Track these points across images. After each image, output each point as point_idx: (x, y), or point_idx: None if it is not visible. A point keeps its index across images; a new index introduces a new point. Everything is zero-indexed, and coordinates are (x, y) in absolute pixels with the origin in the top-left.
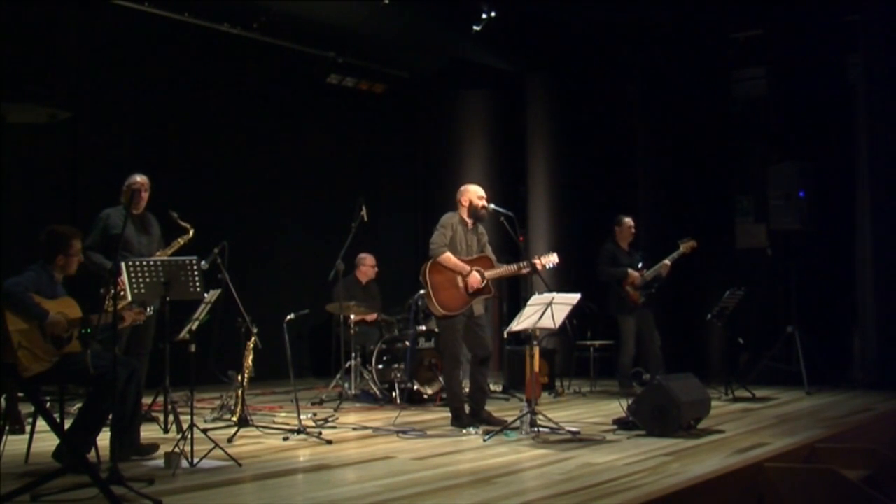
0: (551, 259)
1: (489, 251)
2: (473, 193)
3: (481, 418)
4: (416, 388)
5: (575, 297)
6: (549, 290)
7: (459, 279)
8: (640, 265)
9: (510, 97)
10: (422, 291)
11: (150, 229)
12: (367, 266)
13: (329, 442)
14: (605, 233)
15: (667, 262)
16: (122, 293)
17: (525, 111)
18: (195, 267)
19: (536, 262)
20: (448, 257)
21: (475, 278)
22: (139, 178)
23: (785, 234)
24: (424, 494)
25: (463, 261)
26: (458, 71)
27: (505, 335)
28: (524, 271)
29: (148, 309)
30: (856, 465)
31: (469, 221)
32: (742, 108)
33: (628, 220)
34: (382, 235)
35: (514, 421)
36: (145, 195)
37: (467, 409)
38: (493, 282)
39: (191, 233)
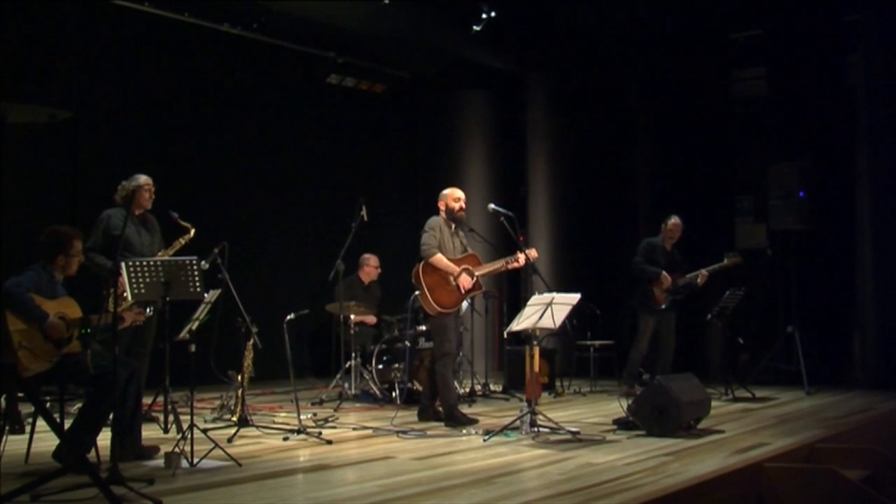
0: (532, 253)
1: (471, 250)
2: (450, 197)
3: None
4: (415, 388)
5: (575, 297)
6: (550, 290)
7: (451, 278)
8: (676, 268)
9: (510, 97)
10: (417, 292)
11: (151, 229)
12: (370, 266)
13: (329, 442)
14: (604, 233)
15: (704, 271)
16: (122, 294)
17: (525, 111)
18: (195, 267)
19: (520, 255)
20: (439, 258)
21: (465, 279)
22: (144, 179)
23: (785, 234)
24: (424, 494)
25: (452, 260)
26: (458, 71)
27: (505, 335)
28: (511, 266)
29: (148, 309)
30: (855, 465)
31: (451, 223)
32: (742, 108)
33: (673, 221)
34: (382, 236)
35: (514, 421)
36: (149, 196)
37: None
38: (490, 279)
39: (192, 232)
